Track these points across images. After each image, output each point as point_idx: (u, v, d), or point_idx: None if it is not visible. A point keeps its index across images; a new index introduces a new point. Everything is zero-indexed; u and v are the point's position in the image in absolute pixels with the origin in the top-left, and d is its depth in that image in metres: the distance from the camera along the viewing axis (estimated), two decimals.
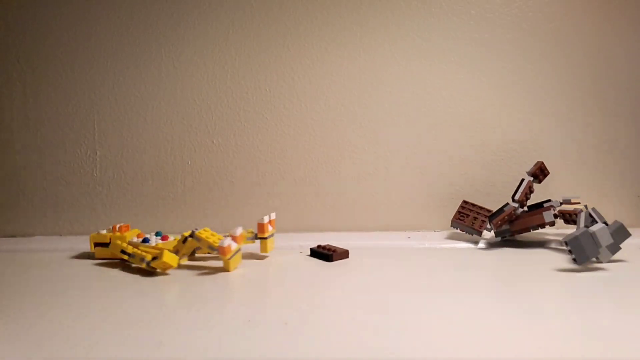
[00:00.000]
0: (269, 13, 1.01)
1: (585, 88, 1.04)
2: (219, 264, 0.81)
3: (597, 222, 0.77)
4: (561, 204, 0.91)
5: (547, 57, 1.03)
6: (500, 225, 0.88)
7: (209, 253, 0.82)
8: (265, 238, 0.84)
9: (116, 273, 0.76)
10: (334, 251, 0.84)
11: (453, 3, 1.02)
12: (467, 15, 1.02)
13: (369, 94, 1.03)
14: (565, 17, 1.02)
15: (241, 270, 0.78)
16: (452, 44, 1.02)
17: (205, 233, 0.80)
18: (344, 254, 0.84)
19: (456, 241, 0.94)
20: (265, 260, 0.84)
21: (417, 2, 1.02)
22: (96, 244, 0.85)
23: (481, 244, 0.91)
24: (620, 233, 0.71)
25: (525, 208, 0.93)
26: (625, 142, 1.05)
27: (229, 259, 0.76)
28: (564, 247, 0.78)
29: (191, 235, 0.79)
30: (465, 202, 0.97)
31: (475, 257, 0.84)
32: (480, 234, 0.92)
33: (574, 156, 1.05)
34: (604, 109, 1.04)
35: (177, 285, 0.70)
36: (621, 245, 0.73)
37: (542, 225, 0.87)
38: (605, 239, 0.69)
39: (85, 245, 0.91)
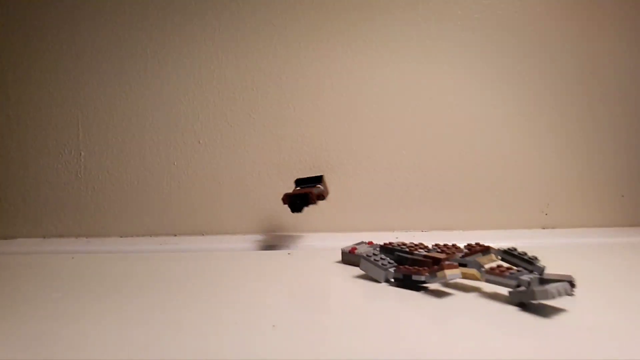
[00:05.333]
0: (257, 13, 1.01)
1: (570, 88, 1.04)
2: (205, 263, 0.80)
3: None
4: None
5: (532, 57, 1.03)
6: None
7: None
8: None
9: (99, 275, 0.75)
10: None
11: (440, 3, 1.02)
12: (455, 16, 1.02)
13: (357, 94, 1.03)
14: (550, 18, 1.03)
15: (229, 272, 0.77)
16: (440, 44, 1.03)
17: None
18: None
19: (444, 241, 0.94)
20: (253, 262, 0.83)
21: (404, 2, 1.02)
22: None
23: None
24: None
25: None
26: (610, 142, 1.06)
27: None
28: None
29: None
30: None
31: None
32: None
33: (559, 157, 1.05)
34: (588, 110, 1.05)
35: (165, 286, 0.69)
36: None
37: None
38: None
39: (69, 248, 0.90)
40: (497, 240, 0.89)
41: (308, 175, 0.98)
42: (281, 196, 0.91)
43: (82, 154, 1.01)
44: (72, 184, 1.01)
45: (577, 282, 0.62)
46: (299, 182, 0.96)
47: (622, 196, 1.07)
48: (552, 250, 0.88)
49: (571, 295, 0.61)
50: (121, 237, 1.01)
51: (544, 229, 1.06)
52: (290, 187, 1.03)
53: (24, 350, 0.50)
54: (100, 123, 1.01)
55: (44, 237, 1.02)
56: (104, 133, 1.01)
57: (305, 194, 0.89)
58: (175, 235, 1.02)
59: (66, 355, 0.49)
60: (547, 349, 0.48)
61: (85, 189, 1.02)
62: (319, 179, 0.95)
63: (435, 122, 1.03)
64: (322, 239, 0.96)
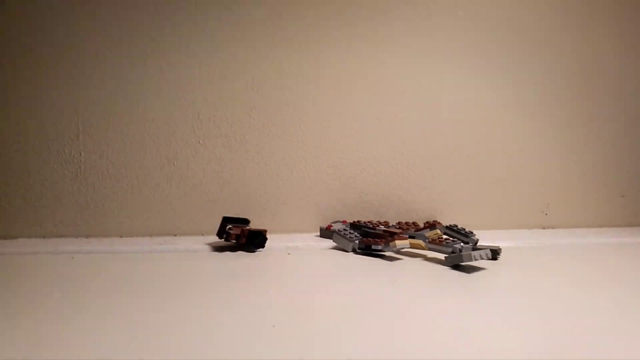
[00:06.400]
0: (256, 13, 1.01)
1: (570, 89, 1.04)
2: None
3: None
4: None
5: (532, 58, 1.03)
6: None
7: None
8: None
9: (99, 275, 0.75)
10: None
11: (441, 3, 1.02)
12: (455, 16, 1.02)
13: (356, 93, 1.03)
14: (552, 17, 1.03)
15: (229, 272, 0.77)
16: (440, 43, 1.03)
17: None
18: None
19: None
20: (254, 262, 0.83)
21: (404, 3, 1.02)
22: None
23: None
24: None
25: None
26: (610, 142, 1.06)
27: None
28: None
29: None
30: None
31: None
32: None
33: (559, 157, 1.05)
34: (588, 110, 1.05)
35: (164, 286, 0.69)
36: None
37: None
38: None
39: (69, 248, 0.89)
40: (498, 240, 0.89)
41: (235, 216, 0.96)
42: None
43: (82, 154, 1.01)
44: (72, 184, 1.01)
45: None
46: (228, 220, 0.92)
47: (623, 196, 1.07)
48: (552, 250, 0.88)
49: (494, 260, 0.80)
50: (121, 237, 1.01)
51: (543, 229, 1.06)
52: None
53: (25, 350, 0.50)
54: (99, 123, 1.01)
55: (44, 237, 1.01)
56: (103, 133, 1.01)
57: (259, 231, 0.90)
58: (175, 235, 1.02)
59: (67, 354, 0.49)
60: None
61: (85, 189, 1.01)
62: (246, 222, 0.94)
63: (435, 122, 1.03)
64: (320, 239, 0.96)
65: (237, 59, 1.01)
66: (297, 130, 1.02)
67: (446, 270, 0.77)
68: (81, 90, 1.00)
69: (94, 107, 1.01)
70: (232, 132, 1.02)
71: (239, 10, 1.00)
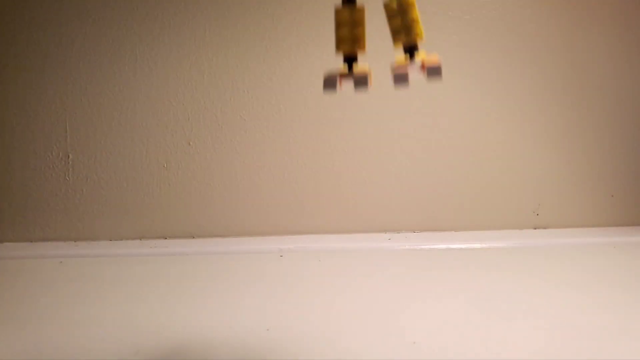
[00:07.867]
0: (247, 13, 1.00)
1: (560, 88, 1.05)
2: None
3: None
4: None
5: (523, 58, 1.04)
6: None
7: None
8: None
9: (88, 279, 0.74)
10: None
11: (432, 5, 1.02)
12: (445, 17, 1.02)
13: (348, 96, 1.02)
14: (540, 15, 1.03)
15: (220, 275, 0.76)
16: (430, 44, 1.02)
17: None
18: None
19: (436, 242, 0.94)
20: (245, 264, 0.82)
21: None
22: None
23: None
24: None
25: None
26: (599, 142, 1.06)
27: None
28: None
29: None
30: None
31: (455, 257, 0.84)
32: None
33: (549, 156, 1.06)
34: (577, 109, 1.06)
35: (155, 290, 0.68)
36: None
37: None
38: None
39: (57, 252, 0.88)
40: (489, 241, 0.90)
41: None
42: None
43: (70, 156, 1.00)
44: (60, 186, 1.00)
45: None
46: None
47: (612, 196, 1.08)
48: (544, 251, 0.89)
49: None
50: (110, 240, 1.00)
51: (535, 229, 1.06)
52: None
53: (11, 358, 0.49)
54: (88, 125, 0.99)
55: (31, 242, 1.00)
56: (92, 135, 1.00)
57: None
58: (166, 239, 1.01)
59: None
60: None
61: (73, 191, 1.00)
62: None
63: (425, 122, 1.03)
64: (313, 241, 0.96)
65: (228, 60, 1.00)
66: (287, 131, 1.02)
67: (438, 272, 0.75)
68: (69, 91, 0.99)
69: (82, 109, 0.99)
70: (222, 134, 1.01)
71: (229, 11, 1.00)
